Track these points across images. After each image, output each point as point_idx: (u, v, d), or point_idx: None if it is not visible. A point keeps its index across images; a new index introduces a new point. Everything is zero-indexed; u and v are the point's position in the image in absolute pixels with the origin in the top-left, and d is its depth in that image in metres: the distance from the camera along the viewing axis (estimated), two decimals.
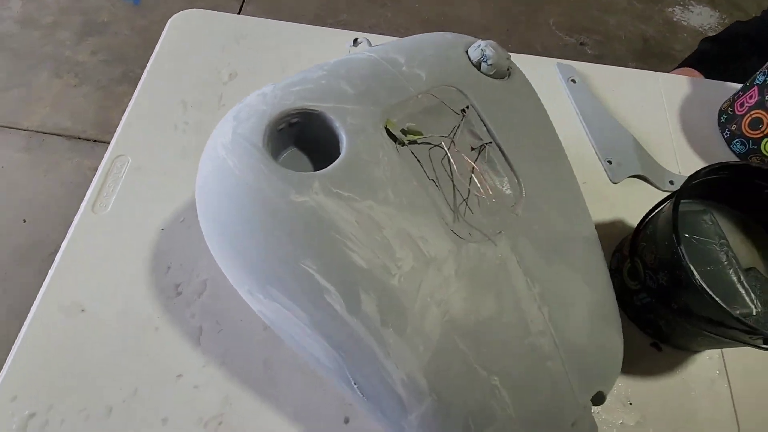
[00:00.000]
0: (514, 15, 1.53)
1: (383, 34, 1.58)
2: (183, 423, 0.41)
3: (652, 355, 0.48)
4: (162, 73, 0.58)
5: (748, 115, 0.57)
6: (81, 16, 1.39)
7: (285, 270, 0.28)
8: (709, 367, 0.47)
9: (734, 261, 0.43)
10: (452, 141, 0.33)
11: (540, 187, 0.36)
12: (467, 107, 0.35)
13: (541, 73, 0.64)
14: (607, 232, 0.54)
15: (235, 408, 0.42)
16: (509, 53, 0.42)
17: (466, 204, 0.32)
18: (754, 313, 0.41)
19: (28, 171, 1.20)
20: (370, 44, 0.38)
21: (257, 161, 0.28)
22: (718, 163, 0.42)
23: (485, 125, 0.35)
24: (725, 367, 0.47)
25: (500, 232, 0.33)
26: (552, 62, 0.64)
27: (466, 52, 0.38)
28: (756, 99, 0.56)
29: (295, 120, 0.31)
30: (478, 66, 0.37)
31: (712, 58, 0.87)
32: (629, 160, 0.57)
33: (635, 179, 0.57)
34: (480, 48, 0.37)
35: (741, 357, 0.48)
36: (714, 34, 0.96)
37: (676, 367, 0.47)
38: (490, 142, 0.35)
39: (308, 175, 0.28)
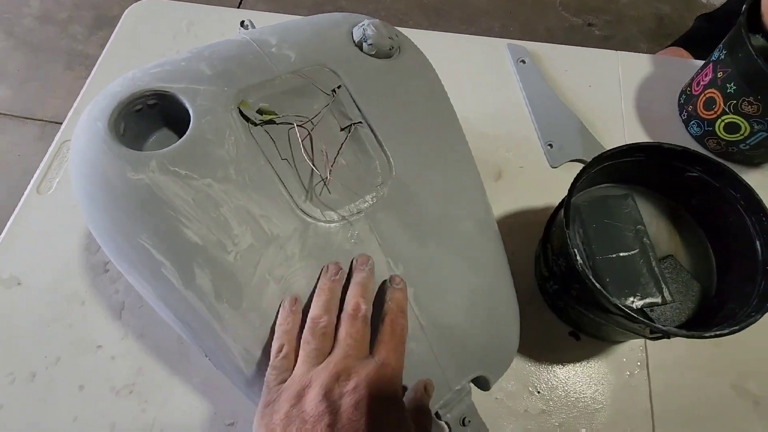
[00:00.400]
0: None
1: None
2: (97, 390, 0.44)
3: (570, 344, 0.46)
4: (114, 62, 0.61)
5: (703, 94, 0.53)
6: (93, 11, 1.46)
7: (127, 245, 0.29)
8: (630, 359, 0.45)
9: (650, 248, 0.41)
10: (311, 121, 0.33)
11: (417, 167, 0.36)
12: (339, 87, 0.35)
13: (490, 54, 0.62)
14: (541, 218, 0.52)
15: (146, 378, 0.44)
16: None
17: (325, 184, 0.33)
18: (660, 302, 0.39)
19: (41, 158, 1.28)
20: (253, 26, 0.38)
21: (100, 140, 0.29)
22: (626, 145, 0.40)
23: (357, 105, 0.35)
24: (647, 360, 0.45)
25: (359, 212, 0.33)
26: (503, 43, 0.62)
27: (352, 33, 0.38)
28: (710, 77, 0.52)
29: (152, 101, 0.32)
30: (360, 46, 0.37)
31: (704, 36, 0.82)
32: (571, 144, 0.55)
33: (576, 163, 0.55)
34: (362, 28, 0.37)
35: (664, 350, 0.45)
36: None
37: (593, 357, 0.46)
38: (360, 122, 0.35)
39: (146, 154, 0.29)
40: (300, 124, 0.33)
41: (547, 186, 0.54)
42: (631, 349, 0.46)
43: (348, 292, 0.30)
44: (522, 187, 0.54)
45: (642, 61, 0.62)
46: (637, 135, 0.57)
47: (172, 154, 0.29)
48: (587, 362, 0.45)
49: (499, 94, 0.59)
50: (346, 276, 0.31)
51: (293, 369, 0.28)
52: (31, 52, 1.41)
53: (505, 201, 0.53)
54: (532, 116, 0.57)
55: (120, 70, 0.60)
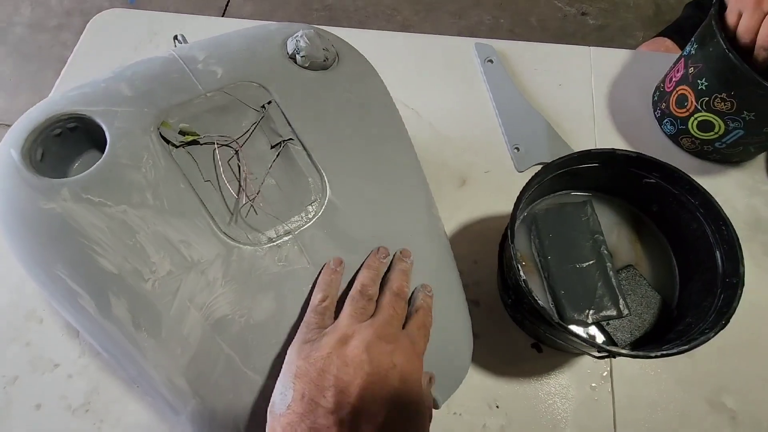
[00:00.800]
0: None
1: (368, 18, 1.53)
2: (54, 409, 0.44)
3: (532, 356, 0.45)
4: (75, 74, 0.61)
5: (675, 91, 0.51)
6: (82, 18, 1.47)
7: (44, 274, 0.29)
8: (594, 370, 0.44)
9: (607, 259, 0.39)
10: (236, 141, 0.32)
11: (354, 183, 0.34)
12: (269, 103, 0.34)
13: (458, 54, 0.60)
14: (505, 224, 0.51)
15: (102, 396, 0.44)
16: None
17: (252, 206, 0.32)
18: (616, 315, 0.37)
19: None
20: (185, 41, 0.37)
21: (13, 169, 0.29)
22: (576, 152, 0.38)
23: (288, 121, 0.34)
24: (611, 371, 0.44)
25: (288, 233, 0.32)
26: (470, 42, 0.60)
27: (287, 45, 0.36)
28: (681, 73, 0.50)
29: (71, 125, 0.31)
30: (294, 58, 0.36)
31: (693, 25, 0.78)
32: (538, 147, 0.53)
33: None
34: (295, 39, 0.36)
35: (631, 361, 0.44)
36: None
37: (555, 369, 0.44)
38: (291, 139, 0.33)
39: (58, 182, 0.28)
40: (224, 143, 0.32)
41: (513, 191, 0.51)
42: (596, 360, 0.44)
43: (393, 275, 0.34)
44: (487, 192, 0.52)
45: (616, 56, 0.59)
46: (608, 135, 0.55)
47: (85, 181, 0.29)
48: (549, 375, 0.44)
49: (465, 96, 0.58)
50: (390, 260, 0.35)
51: (333, 319, 0.31)
52: (22, 60, 1.42)
53: (469, 207, 0.51)
54: (498, 119, 0.55)
55: (80, 82, 0.60)
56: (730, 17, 0.45)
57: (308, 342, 0.29)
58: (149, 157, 0.30)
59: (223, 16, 1.44)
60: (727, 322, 0.32)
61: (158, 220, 0.29)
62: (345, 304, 0.31)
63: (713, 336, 0.31)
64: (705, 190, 0.36)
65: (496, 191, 0.52)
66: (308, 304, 0.31)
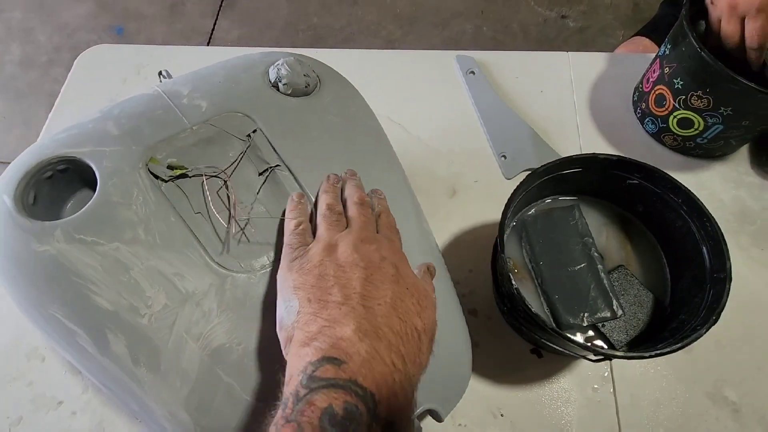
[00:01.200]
0: None
1: (354, 35, 1.55)
2: None
3: (532, 362, 0.45)
4: (66, 110, 0.61)
5: (653, 91, 0.52)
6: (71, 52, 1.48)
7: (39, 316, 0.29)
8: (595, 372, 0.44)
9: (598, 261, 0.40)
10: (224, 171, 0.33)
11: None
12: (254, 131, 0.35)
13: (440, 68, 0.61)
14: (497, 232, 0.52)
15: None
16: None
17: (243, 233, 0.32)
18: (610, 317, 0.38)
19: None
20: (169, 76, 0.38)
21: (6, 214, 0.29)
22: (559, 159, 0.39)
23: (273, 148, 0.34)
24: (612, 372, 0.44)
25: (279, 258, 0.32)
26: (452, 55, 0.61)
27: (269, 73, 0.37)
28: (658, 73, 0.51)
29: (62, 167, 0.32)
30: (277, 86, 0.37)
31: (669, 23, 0.79)
32: (524, 154, 0.54)
33: None
34: (276, 67, 0.36)
35: (629, 361, 0.44)
36: None
37: (556, 374, 0.44)
38: (278, 165, 0.34)
39: (51, 224, 0.29)
40: (212, 174, 0.32)
41: (503, 198, 0.52)
42: (595, 363, 0.44)
43: (348, 191, 0.35)
44: (477, 201, 0.53)
45: (594, 59, 0.60)
46: (592, 137, 0.56)
47: (77, 222, 0.29)
48: (551, 379, 0.44)
49: (450, 108, 0.58)
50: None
51: (312, 238, 0.32)
52: (14, 97, 1.43)
53: (460, 217, 0.52)
54: (484, 128, 0.56)
55: (70, 118, 0.61)
56: (714, 25, 0.47)
57: (296, 258, 0.30)
58: (139, 193, 0.31)
59: (209, 43, 1.46)
60: (718, 317, 0.32)
61: (151, 255, 0.30)
62: (318, 224, 0.32)
63: (705, 332, 0.32)
64: (686, 187, 0.37)
65: (486, 199, 0.53)
66: None
